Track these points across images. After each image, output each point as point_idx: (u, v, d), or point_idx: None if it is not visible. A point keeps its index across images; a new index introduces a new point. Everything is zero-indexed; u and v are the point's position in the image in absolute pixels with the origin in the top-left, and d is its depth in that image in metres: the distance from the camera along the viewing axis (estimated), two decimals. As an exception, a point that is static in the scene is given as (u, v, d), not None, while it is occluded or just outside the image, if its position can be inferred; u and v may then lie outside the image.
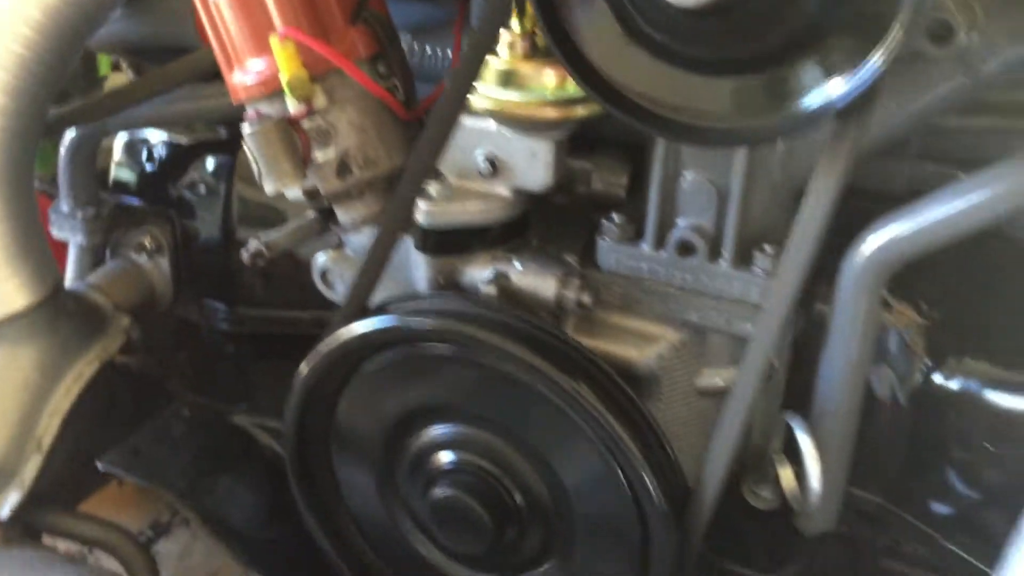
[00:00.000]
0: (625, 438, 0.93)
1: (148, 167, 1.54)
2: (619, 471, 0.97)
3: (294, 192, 1.00)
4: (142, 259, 1.49)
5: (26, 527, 1.27)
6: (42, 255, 1.24)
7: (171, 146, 1.51)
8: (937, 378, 1.05)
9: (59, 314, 1.27)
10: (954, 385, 1.05)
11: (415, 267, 1.07)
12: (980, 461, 1.04)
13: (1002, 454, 1.03)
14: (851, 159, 0.79)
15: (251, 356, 1.53)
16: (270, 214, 1.44)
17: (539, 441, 1.02)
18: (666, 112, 0.80)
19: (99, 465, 1.28)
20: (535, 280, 1.02)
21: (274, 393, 1.22)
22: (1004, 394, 1.02)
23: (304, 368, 1.06)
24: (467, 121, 1.01)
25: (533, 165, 1.00)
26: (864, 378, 0.98)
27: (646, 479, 0.94)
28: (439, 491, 1.06)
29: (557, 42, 0.79)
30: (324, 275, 1.17)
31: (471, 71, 0.88)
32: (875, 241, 0.90)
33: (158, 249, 1.48)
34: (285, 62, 0.93)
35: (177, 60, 1.22)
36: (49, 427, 1.26)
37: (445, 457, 1.07)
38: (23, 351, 1.25)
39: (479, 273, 1.05)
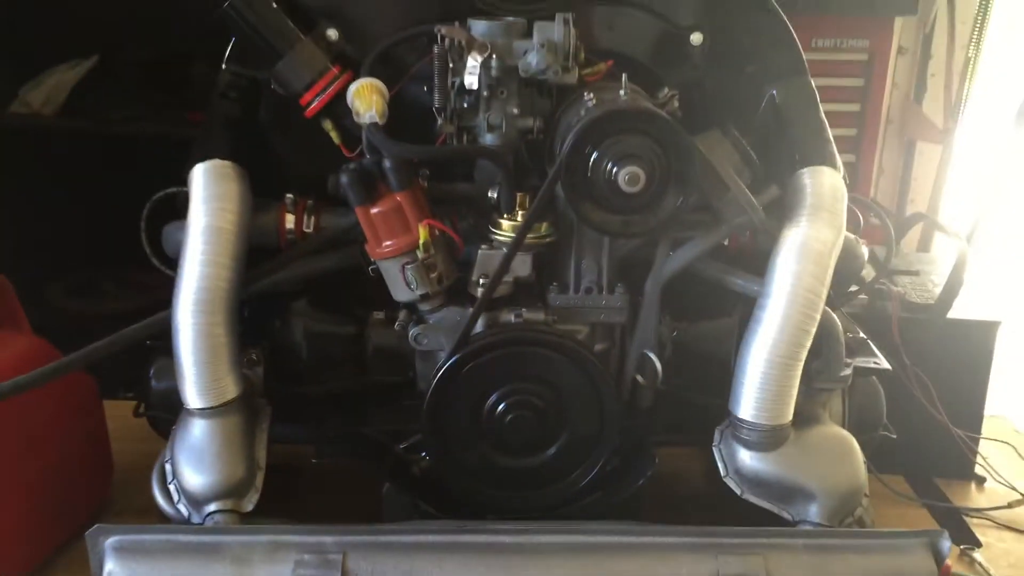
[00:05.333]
0: (593, 361, 1.66)
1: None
2: (588, 382, 1.66)
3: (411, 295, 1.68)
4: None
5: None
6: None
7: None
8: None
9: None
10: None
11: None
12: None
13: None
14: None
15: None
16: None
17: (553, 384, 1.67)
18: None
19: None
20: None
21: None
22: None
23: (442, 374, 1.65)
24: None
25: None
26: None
27: (603, 377, 1.65)
28: (508, 413, 1.66)
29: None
30: (415, 337, 1.70)
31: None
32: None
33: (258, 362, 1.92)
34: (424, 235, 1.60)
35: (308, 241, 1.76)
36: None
37: (507, 401, 1.67)
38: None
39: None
